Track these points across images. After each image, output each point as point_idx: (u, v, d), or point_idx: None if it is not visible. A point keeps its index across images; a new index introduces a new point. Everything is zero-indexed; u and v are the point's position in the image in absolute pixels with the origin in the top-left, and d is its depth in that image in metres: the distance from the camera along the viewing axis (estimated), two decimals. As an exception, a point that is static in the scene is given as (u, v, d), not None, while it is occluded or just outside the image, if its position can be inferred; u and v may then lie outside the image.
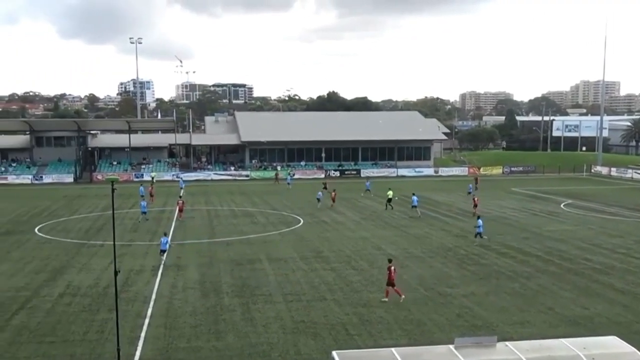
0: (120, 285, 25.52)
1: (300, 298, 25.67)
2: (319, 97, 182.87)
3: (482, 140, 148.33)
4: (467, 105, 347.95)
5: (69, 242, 39.35)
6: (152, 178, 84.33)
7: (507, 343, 14.51)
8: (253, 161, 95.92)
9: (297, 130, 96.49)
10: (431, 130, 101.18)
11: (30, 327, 22.35)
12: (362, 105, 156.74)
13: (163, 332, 21.65)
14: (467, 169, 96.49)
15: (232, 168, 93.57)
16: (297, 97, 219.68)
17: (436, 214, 50.75)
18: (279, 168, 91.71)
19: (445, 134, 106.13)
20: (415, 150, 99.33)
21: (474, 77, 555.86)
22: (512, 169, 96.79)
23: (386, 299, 25.05)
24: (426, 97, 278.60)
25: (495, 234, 40.81)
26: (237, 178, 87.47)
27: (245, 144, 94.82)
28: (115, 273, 18.95)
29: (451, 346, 14.10)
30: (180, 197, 56.12)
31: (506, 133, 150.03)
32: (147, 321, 22.85)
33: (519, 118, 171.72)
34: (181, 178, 79.78)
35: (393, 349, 14.17)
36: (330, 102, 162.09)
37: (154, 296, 26.09)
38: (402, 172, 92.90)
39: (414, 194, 52.01)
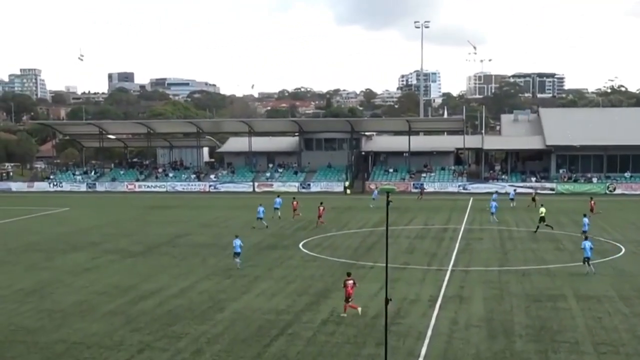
0: (391, 317, 26.22)
1: (618, 350, 24.21)
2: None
3: None
4: None
5: (335, 261, 41.62)
6: (346, 188, 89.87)
7: None
8: (561, 171, 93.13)
9: (621, 132, 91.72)
10: None
11: (289, 356, 23.96)
12: None
13: (439, 377, 21.83)
14: None
15: (534, 179, 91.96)
16: (622, 89, 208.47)
17: None
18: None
19: None
20: None
21: None
22: None
23: (343, 314, 28.63)
24: None
25: None
26: (539, 191, 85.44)
27: (551, 149, 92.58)
28: (387, 301, 19.54)
29: None
30: (322, 203, 59.43)
31: None
32: (420, 362, 23.25)
33: None
34: (375, 190, 78.84)
35: None
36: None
37: (429, 332, 26.42)
38: None
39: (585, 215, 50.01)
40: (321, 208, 58.12)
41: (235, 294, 33.16)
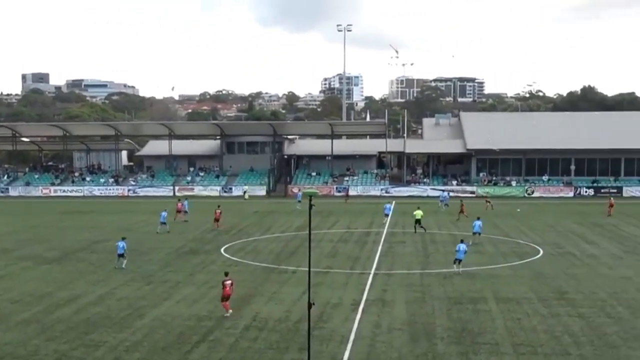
0: (314, 321, 26.35)
1: (536, 350, 24.81)
2: (570, 94, 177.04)
3: None
4: None
5: (257, 265, 41.56)
6: (245, 193, 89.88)
7: None
8: (481, 174, 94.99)
9: (539, 136, 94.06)
10: None
11: (210, 363, 23.85)
12: (628, 103, 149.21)
13: (361, 381, 21.98)
14: None
15: (455, 182, 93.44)
16: (540, 94, 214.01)
17: None
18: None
19: None
20: None
21: None
22: None
23: (228, 313, 29.46)
24: None
25: None
26: (460, 195, 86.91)
27: (471, 153, 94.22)
28: (309, 306, 19.57)
29: None
30: (219, 206, 61.13)
31: None
32: (343, 366, 23.36)
33: None
34: (299, 192, 78.80)
35: None
36: (585, 100, 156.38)
37: (352, 336, 26.57)
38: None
39: (478, 218, 51.05)
40: (218, 211, 58.50)
41: (155, 300, 32.77)
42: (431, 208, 69.78)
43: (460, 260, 38.34)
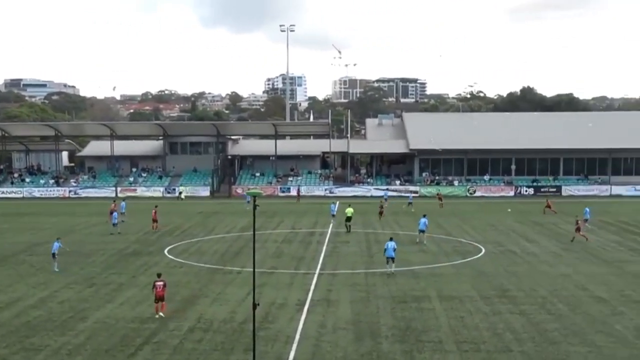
0: (259, 321, 26.29)
1: (479, 348, 25.14)
2: (510, 95, 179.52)
3: None
4: None
5: (202, 266, 41.30)
6: (180, 194, 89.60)
7: None
8: (424, 174, 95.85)
9: (480, 136, 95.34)
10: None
11: (155, 365, 23.62)
12: (565, 104, 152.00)
13: (307, 381, 22.00)
14: None
15: (398, 182, 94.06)
16: (481, 95, 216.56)
17: (664, 246, 48.02)
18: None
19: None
20: (637, 163, 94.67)
21: None
22: None
23: (157, 315, 29.54)
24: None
25: None
26: (403, 194, 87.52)
27: (414, 153, 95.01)
28: (254, 306, 19.50)
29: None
30: (156, 206, 61.10)
31: None
32: (288, 366, 23.36)
33: None
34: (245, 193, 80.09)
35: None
36: (525, 101, 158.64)
37: (297, 336, 26.62)
38: (618, 190, 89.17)
39: (424, 215, 51.19)
40: (153, 211, 58.41)
41: (98, 303, 32.34)
42: (373, 209, 70.03)
43: (392, 258, 38.33)
